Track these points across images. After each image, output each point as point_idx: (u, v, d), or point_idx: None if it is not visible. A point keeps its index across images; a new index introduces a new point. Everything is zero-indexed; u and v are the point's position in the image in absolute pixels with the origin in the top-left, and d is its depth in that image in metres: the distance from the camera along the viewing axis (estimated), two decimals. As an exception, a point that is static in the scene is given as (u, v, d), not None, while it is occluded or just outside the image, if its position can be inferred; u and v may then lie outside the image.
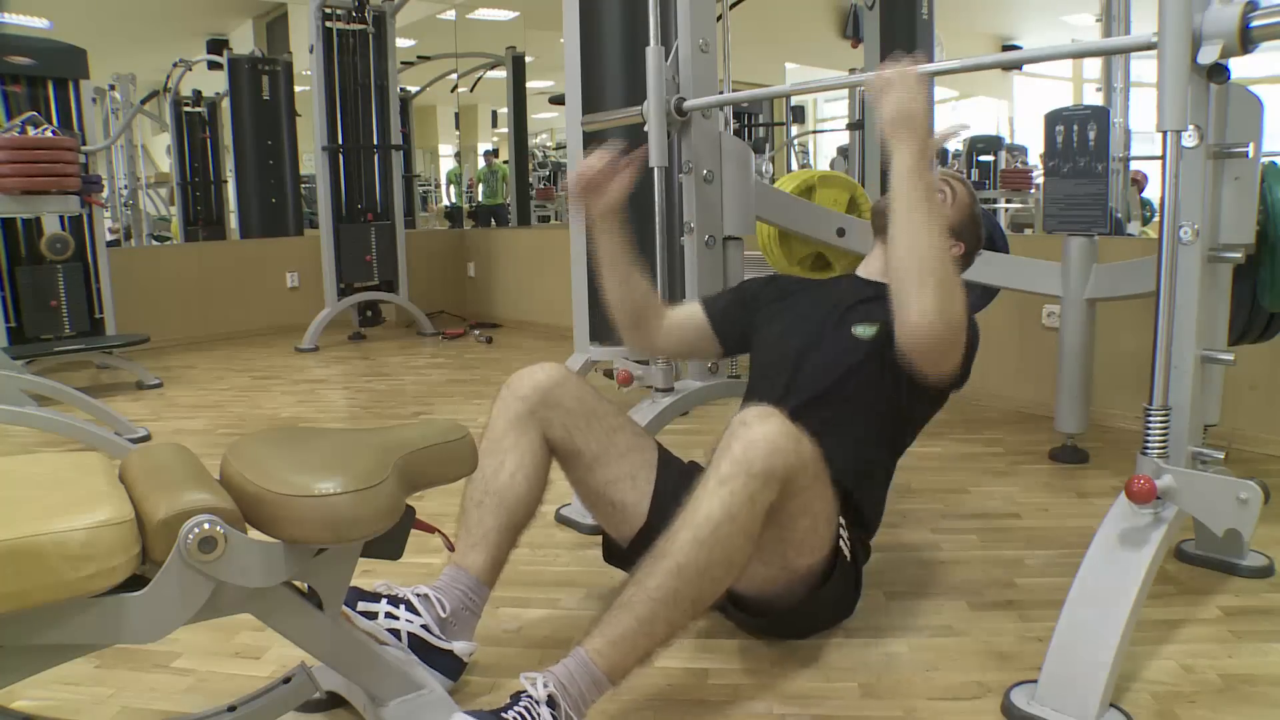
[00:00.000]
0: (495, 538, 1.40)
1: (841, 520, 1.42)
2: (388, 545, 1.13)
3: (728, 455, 1.20)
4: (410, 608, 1.31)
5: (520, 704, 1.09)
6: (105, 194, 5.46)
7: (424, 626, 1.30)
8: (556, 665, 1.15)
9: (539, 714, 1.09)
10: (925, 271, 1.30)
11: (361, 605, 1.30)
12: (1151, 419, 1.35)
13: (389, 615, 1.29)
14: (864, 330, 1.51)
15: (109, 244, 4.49)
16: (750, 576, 1.34)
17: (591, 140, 3.07)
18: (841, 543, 1.41)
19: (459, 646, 1.32)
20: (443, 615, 1.32)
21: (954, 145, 6.54)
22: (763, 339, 1.66)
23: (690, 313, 1.75)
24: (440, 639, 1.30)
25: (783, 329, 1.62)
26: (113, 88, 6.41)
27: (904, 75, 1.37)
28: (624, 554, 1.52)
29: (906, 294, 1.32)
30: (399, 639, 1.28)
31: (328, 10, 4.93)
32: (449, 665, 1.30)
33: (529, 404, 1.48)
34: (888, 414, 1.52)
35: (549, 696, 1.10)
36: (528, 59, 6.95)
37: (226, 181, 6.48)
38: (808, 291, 1.69)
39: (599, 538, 2.02)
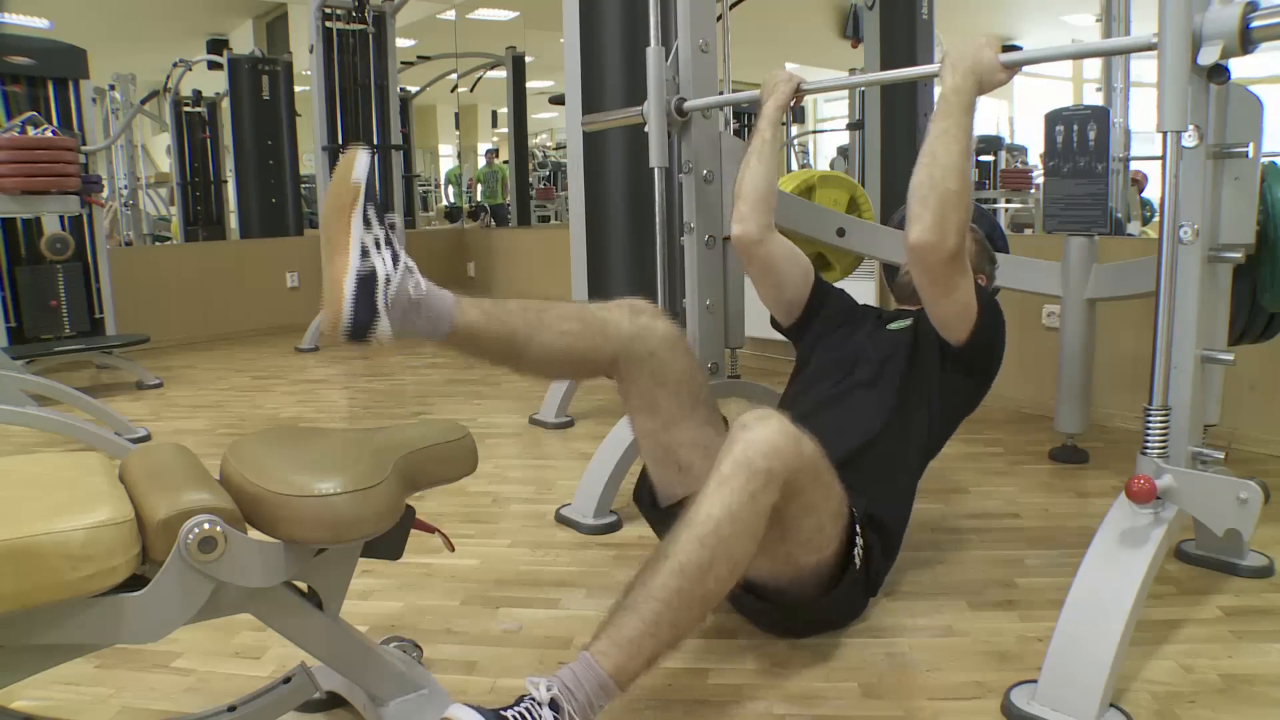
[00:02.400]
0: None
1: (857, 526, 1.43)
2: (388, 545, 1.14)
3: (729, 456, 1.21)
4: None
5: (523, 704, 1.09)
6: (106, 194, 5.46)
7: None
8: (562, 670, 1.14)
9: (540, 715, 1.08)
10: (935, 188, 1.46)
11: None
12: (1151, 419, 1.35)
13: None
14: (898, 325, 1.80)
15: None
16: (756, 569, 1.35)
17: (592, 140, 3.08)
18: (854, 545, 1.42)
19: None
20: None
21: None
22: (827, 333, 1.90)
23: (802, 255, 1.96)
24: None
25: (844, 334, 1.87)
26: (113, 88, 6.41)
27: (966, 42, 1.56)
28: (655, 505, 1.55)
29: (914, 213, 1.47)
30: None
31: (328, 10, 4.93)
32: None
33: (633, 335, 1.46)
34: (923, 401, 1.65)
35: (552, 700, 1.09)
36: (528, 59, 6.96)
37: (226, 181, 6.48)
38: (854, 310, 1.97)
39: (599, 538, 2.03)
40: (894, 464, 1.62)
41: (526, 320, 1.43)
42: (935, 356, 1.67)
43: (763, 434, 1.21)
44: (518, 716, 1.07)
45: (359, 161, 1.30)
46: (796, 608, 1.45)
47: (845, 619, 1.56)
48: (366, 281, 1.25)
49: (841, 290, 2.00)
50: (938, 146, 1.49)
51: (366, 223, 1.27)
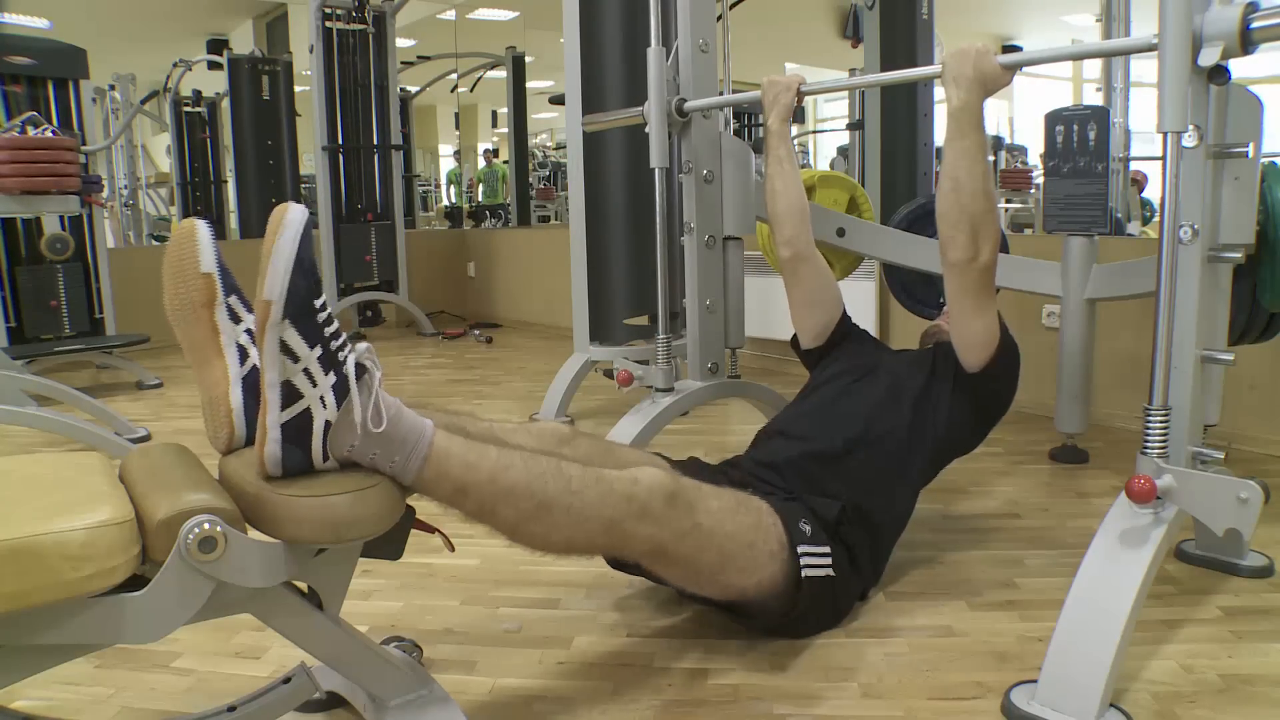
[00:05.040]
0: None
1: (809, 547, 1.41)
2: (388, 545, 1.14)
3: (635, 471, 1.24)
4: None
5: (343, 338, 1.01)
6: (106, 194, 5.46)
7: None
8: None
9: (344, 359, 0.99)
10: (964, 211, 1.53)
11: None
12: (1151, 419, 1.35)
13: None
14: (919, 350, 1.90)
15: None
16: (706, 591, 1.40)
17: (592, 140, 3.08)
18: (806, 563, 1.40)
19: None
20: None
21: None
22: (847, 353, 1.97)
23: (834, 280, 2.05)
24: None
25: (863, 351, 1.97)
26: (113, 88, 6.42)
27: (963, 52, 1.60)
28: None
29: (947, 236, 1.56)
30: None
31: (328, 10, 4.93)
32: None
33: None
34: (931, 421, 1.69)
35: (358, 365, 1.01)
36: (528, 59, 6.96)
37: (226, 181, 6.48)
38: (874, 340, 2.08)
39: (599, 538, 2.03)
40: (895, 471, 1.63)
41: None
42: (948, 385, 1.71)
43: (654, 475, 1.24)
44: (331, 331, 1.00)
45: (200, 239, 1.07)
46: (779, 614, 1.44)
47: (835, 618, 1.54)
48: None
49: (864, 330, 2.10)
50: (960, 170, 1.54)
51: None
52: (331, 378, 0.99)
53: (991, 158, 6.87)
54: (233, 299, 1.10)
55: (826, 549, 1.44)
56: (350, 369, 1.00)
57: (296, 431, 0.98)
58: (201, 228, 1.07)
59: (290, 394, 0.97)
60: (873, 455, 1.61)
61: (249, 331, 1.09)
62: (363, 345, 1.03)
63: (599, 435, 1.52)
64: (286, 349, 0.96)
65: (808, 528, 1.43)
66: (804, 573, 1.40)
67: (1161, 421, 1.35)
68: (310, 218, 0.98)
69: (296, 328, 0.96)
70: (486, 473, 1.10)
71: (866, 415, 1.67)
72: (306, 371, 0.97)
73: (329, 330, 0.99)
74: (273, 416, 0.97)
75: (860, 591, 1.60)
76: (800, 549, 1.40)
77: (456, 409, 1.37)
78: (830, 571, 1.44)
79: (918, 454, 1.67)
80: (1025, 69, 1.56)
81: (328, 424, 1.00)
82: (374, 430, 1.01)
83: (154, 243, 7.03)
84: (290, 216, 0.96)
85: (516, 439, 1.36)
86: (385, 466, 1.04)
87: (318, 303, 0.98)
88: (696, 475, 1.44)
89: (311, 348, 0.97)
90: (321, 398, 0.99)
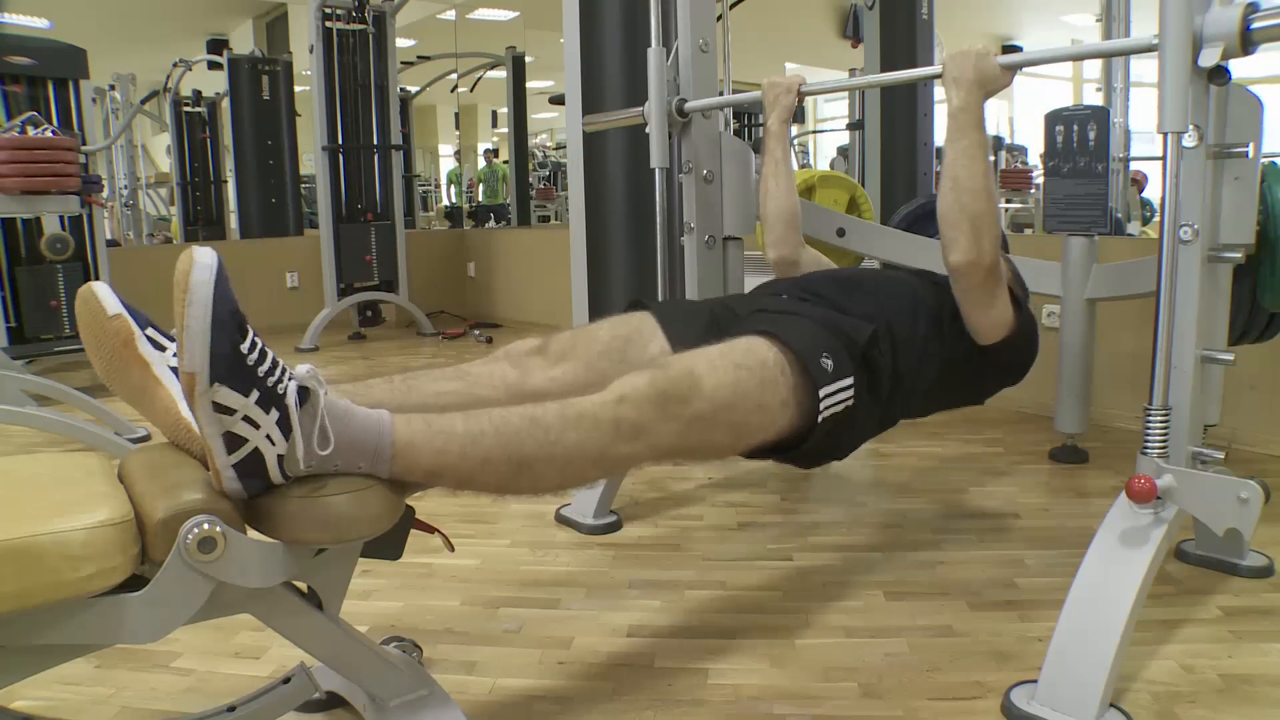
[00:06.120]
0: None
1: (830, 386, 1.33)
2: (387, 545, 1.13)
3: (618, 387, 1.17)
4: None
5: (280, 368, 0.97)
6: (106, 194, 5.46)
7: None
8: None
9: (284, 387, 0.95)
10: (964, 211, 1.50)
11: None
12: (1151, 419, 1.35)
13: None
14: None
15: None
16: (723, 457, 1.35)
17: (592, 140, 3.08)
18: (826, 404, 1.33)
19: None
20: None
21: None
22: None
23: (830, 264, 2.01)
24: None
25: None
26: (113, 88, 6.41)
27: (963, 53, 1.59)
28: None
29: (948, 238, 1.52)
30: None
31: (328, 10, 4.93)
32: None
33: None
34: (952, 338, 1.60)
35: (301, 390, 0.96)
36: (528, 59, 6.96)
37: (226, 181, 6.48)
38: None
39: (599, 537, 2.04)
40: (917, 303, 1.58)
41: (392, 391, 1.25)
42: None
43: (637, 385, 1.17)
44: (264, 369, 0.95)
45: (98, 293, 1.08)
46: (791, 445, 1.37)
47: (848, 449, 1.48)
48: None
49: None
50: (960, 170, 1.53)
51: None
52: (274, 414, 0.95)
53: (992, 158, 6.90)
54: (149, 330, 1.10)
55: (849, 380, 1.36)
56: (291, 400, 0.96)
57: (250, 467, 0.96)
58: (96, 285, 1.09)
59: (234, 440, 0.94)
60: (891, 287, 1.60)
61: (250, 418, 1.04)
62: (303, 368, 0.99)
63: (571, 328, 1.46)
64: (221, 408, 0.92)
65: (830, 362, 1.34)
66: (822, 415, 1.32)
67: (1161, 421, 1.35)
68: (220, 260, 0.92)
69: (227, 385, 0.91)
70: (456, 451, 1.07)
71: (881, 274, 1.70)
72: (246, 418, 0.93)
73: (262, 369, 0.94)
74: (221, 460, 0.94)
75: (877, 426, 1.52)
76: (822, 391, 1.32)
77: (415, 369, 1.33)
78: (850, 403, 1.36)
79: (941, 309, 1.60)
80: (1025, 69, 1.56)
81: (280, 456, 0.97)
82: (321, 453, 0.99)
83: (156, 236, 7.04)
84: (195, 278, 0.88)
85: (488, 387, 1.33)
86: (354, 472, 1.03)
87: (244, 346, 0.93)
88: (695, 322, 1.48)
89: (247, 395, 0.92)
90: (267, 436, 0.95)
